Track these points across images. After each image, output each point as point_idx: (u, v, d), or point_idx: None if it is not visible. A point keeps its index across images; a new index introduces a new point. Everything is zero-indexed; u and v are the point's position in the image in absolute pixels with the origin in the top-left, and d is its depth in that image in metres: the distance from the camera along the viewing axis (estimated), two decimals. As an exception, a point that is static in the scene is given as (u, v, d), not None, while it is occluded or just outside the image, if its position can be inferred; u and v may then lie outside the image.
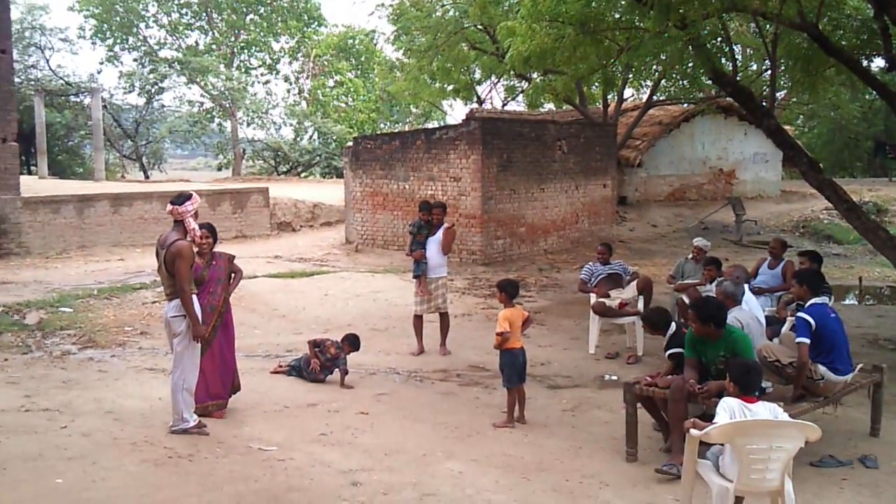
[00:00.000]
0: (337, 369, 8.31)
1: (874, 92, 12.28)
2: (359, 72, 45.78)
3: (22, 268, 14.60)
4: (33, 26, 37.95)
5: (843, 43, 11.44)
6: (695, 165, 24.47)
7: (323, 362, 8.36)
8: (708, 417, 5.18)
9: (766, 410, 4.65)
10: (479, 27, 20.02)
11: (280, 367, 8.69)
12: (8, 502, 4.88)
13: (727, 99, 18.53)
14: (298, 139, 42.90)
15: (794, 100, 24.82)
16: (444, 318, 9.93)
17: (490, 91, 31.94)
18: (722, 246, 18.97)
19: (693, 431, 4.61)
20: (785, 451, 4.48)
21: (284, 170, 41.24)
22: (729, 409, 4.62)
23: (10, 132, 15.72)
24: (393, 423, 7.17)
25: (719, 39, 12.13)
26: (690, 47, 10.45)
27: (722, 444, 4.67)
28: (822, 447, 6.10)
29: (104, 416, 6.77)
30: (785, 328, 7.82)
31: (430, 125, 38.19)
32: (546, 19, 10.76)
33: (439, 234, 9.73)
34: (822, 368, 6.28)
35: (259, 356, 9.33)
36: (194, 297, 6.32)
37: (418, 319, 9.86)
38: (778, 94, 18.58)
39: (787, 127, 19.87)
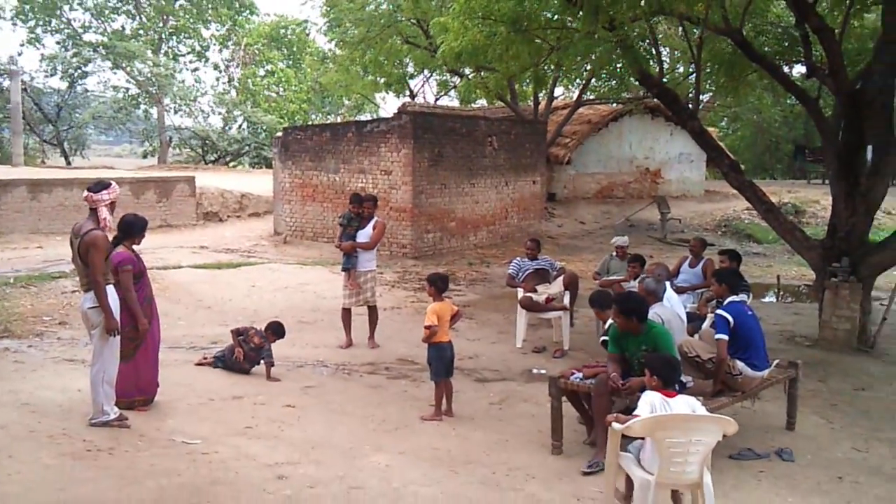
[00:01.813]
0: (262, 361, 8.21)
1: (795, 97, 12.71)
2: (290, 62, 45.28)
3: (-68, 255, 14.04)
4: (-51, 5, 36.43)
5: (766, 49, 11.83)
6: (622, 164, 24.94)
7: (247, 352, 8.24)
8: (632, 411, 5.30)
9: (684, 405, 4.78)
10: (413, 21, 20.05)
11: (205, 358, 8.53)
12: (-85, 498, 4.69)
13: (654, 100, 18.95)
14: (227, 128, 42.25)
15: (719, 103, 25.62)
16: (373, 311, 9.91)
17: (423, 85, 31.98)
18: (647, 243, 19.40)
19: (615, 425, 4.71)
20: (703, 444, 4.61)
21: (212, 159, 40.51)
22: (650, 404, 4.74)
23: (-79, 113, 15.08)
24: (320, 416, 7.13)
25: (647, 42, 12.41)
26: (619, 48, 10.67)
27: (643, 438, 4.78)
28: (740, 440, 6.32)
29: (20, 407, 6.53)
30: (705, 325, 8.06)
31: (362, 118, 37.99)
32: (479, 16, 10.85)
33: (369, 227, 9.70)
34: (740, 364, 6.48)
35: (183, 348, 9.16)
36: (110, 289, 6.15)
37: (347, 312, 9.82)
38: (703, 97, 19.13)
39: (711, 129, 20.41)
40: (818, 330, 10.65)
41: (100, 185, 6.26)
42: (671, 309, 7.06)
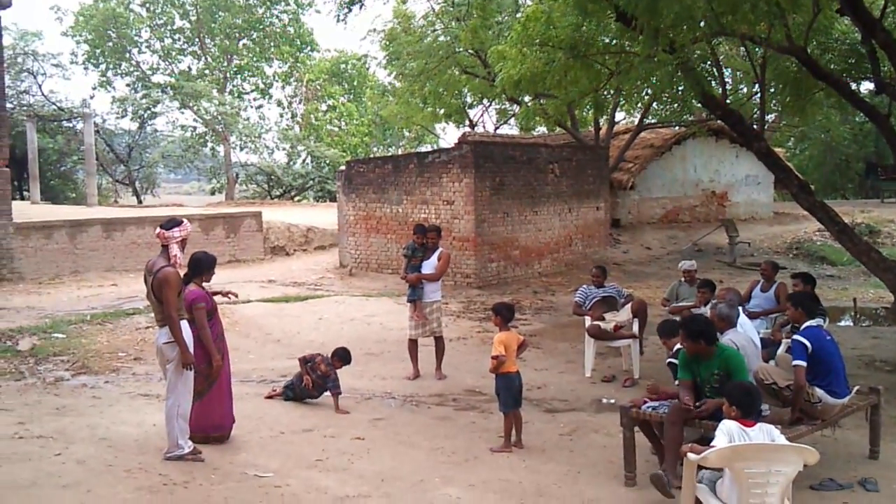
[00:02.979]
0: (329, 390, 8.25)
1: (864, 114, 12.38)
2: (351, 96, 46.04)
3: (14, 294, 14.54)
4: (26, 52, 38.06)
5: (832, 66, 11.55)
6: (687, 188, 24.58)
7: (314, 379, 8.31)
8: (706, 441, 5.16)
9: (763, 434, 4.64)
10: (470, 52, 20.17)
11: (274, 391, 8.63)
12: (1, 532, 4.82)
13: (718, 122, 18.66)
14: (291, 163, 43.03)
15: (785, 122, 25.04)
16: (439, 342, 9.90)
17: (482, 115, 32.15)
18: (716, 268, 19.02)
19: (691, 455, 4.59)
20: (783, 474, 4.47)
21: (277, 194, 41.31)
22: (728, 433, 4.61)
23: (1, 157, 15.72)
24: (389, 448, 7.13)
25: (709, 63, 12.24)
26: (680, 71, 10.54)
27: (720, 469, 4.65)
28: (821, 470, 6.08)
29: (98, 442, 6.70)
30: (780, 350, 7.84)
31: (422, 149, 38.34)
32: (536, 43, 10.87)
33: (434, 258, 9.72)
34: (819, 391, 6.27)
35: (253, 381, 9.29)
36: (184, 324, 6.28)
37: (413, 343, 9.83)
38: (768, 117, 18.73)
39: (778, 149, 19.97)
40: (900, 354, 10.26)
41: (171, 223, 6.42)
42: (745, 335, 6.88)
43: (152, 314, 11.68)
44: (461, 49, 20.04)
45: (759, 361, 6.82)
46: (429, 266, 9.70)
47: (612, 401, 8.79)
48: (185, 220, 6.58)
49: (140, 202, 40.24)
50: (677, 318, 7.87)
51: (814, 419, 6.31)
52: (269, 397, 8.53)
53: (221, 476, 6.07)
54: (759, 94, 12.71)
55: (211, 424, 6.79)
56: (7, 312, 12.47)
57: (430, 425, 7.97)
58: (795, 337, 6.47)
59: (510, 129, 33.01)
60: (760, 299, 9.98)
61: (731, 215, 24.38)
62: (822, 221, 11.29)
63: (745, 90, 20.42)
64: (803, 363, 6.23)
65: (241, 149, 42.47)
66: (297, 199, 40.94)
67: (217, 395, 6.81)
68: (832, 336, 6.76)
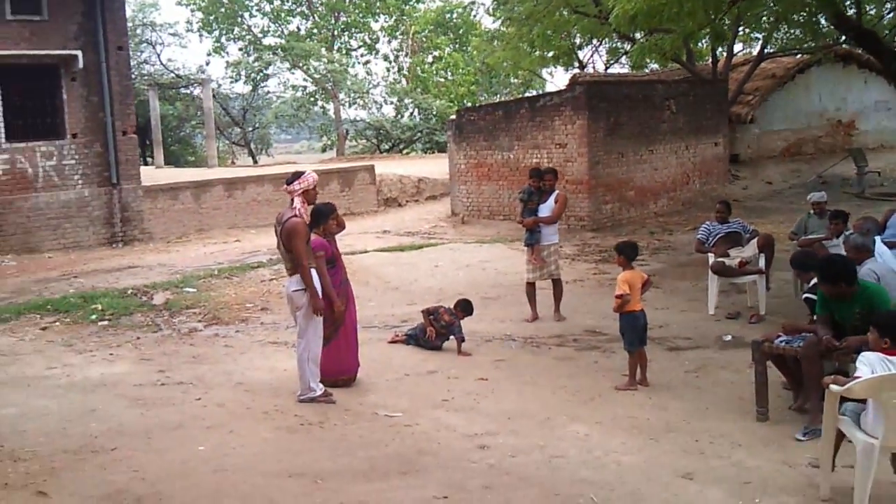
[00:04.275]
0: (452, 336, 8.37)
1: None
2: (457, 45, 45.64)
3: (146, 252, 15.30)
4: (144, 23, 39.43)
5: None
6: (811, 118, 23.33)
7: (438, 329, 8.43)
8: (843, 374, 4.96)
9: (910, 363, 4.41)
10: (580, -10, 19.58)
11: (397, 336, 8.82)
12: (157, 468, 5.13)
13: (845, 46, 17.55)
14: (399, 116, 43.22)
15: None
16: (558, 284, 9.84)
17: (591, 55, 31.33)
18: (843, 200, 18.07)
19: (833, 387, 4.40)
20: (932, 404, 4.25)
21: (387, 147, 41.68)
22: (869, 364, 4.39)
23: (129, 125, 16.45)
24: (513, 388, 7.18)
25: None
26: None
27: (863, 401, 4.45)
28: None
29: (235, 387, 7.03)
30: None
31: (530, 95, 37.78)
32: (652, -25, 10.45)
33: (551, 200, 9.62)
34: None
35: (376, 327, 9.49)
36: (313, 272, 6.45)
37: (531, 287, 9.81)
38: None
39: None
40: None
41: (293, 176, 6.59)
42: (884, 264, 6.52)
43: (276, 267, 12.20)
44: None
45: (901, 291, 6.47)
46: (546, 209, 9.61)
47: (729, 337, 8.58)
48: (309, 172, 6.71)
49: (256, 162, 41.41)
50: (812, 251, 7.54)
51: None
52: (392, 342, 8.73)
53: (353, 416, 6.28)
54: (892, 13, 11.89)
55: (339, 368, 7.00)
56: (141, 270, 13.13)
57: (552, 366, 7.97)
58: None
59: (621, 69, 32.08)
60: (898, 228, 9.43)
61: (859, 144, 23.02)
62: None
63: (873, 11, 19.14)
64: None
65: (350, 105, 42.94)
66: (405, 151, 41.21)
67: (344, 339, 7.01)
68: None
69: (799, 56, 22.57)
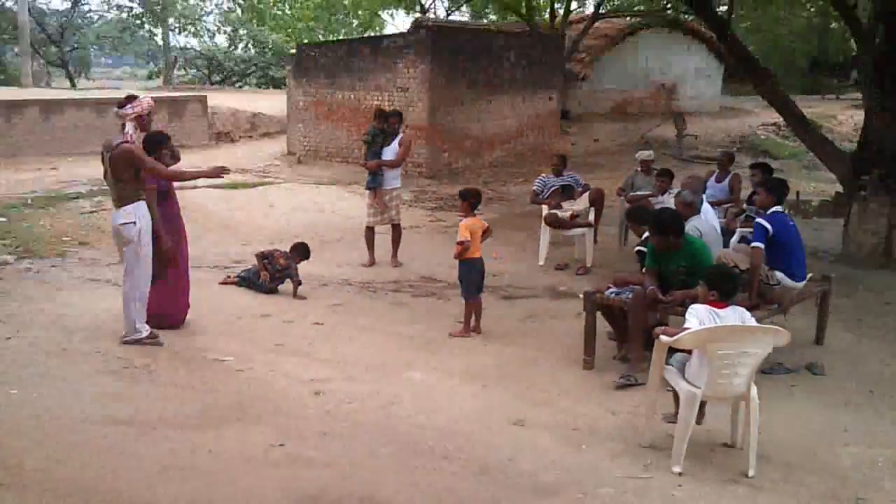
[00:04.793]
0: (289, 279, 8.18)
1: (832, 5, 12.20)
2: (297, -22, 44.06)
3: (-54, 176, 13.90)
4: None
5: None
6: (638, 80, 24.39)
7: (272, 273, 8.21)
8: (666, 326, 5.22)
9: (735, 316, 4.70)
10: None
11: (229, 278, 8.51)
12: (-39, 414, 4.68)
13: (672, 12, 18.36)
14: (233, 48, 41.44)
15: (742, 13, 24.72)
16: (397, 229, 9.81)
17: (433, 1, 31.14)
18: (662, 161, 19.09)
19: (663, 338, 4.63)
20: (754, 356, 4.55)
21: (218, 79, 39.89)
22: (698, 316, 4.65)
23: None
24: (349, 333, 7.12)
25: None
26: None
27: (689, 351, 4.72)
28: (771, 355, 6.27)
29: (50, 326, 6.52)
30: (734, 240, 7.93)
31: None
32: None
33: (395, 143, 9.51)
34: (778, 274, 6.39)
35: (206, 267, 9.11)
36: (142, 205, 6.06)
37: (370, 231, 9.73)
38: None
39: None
40: (842, 244, 10.53)
41: (127, 100, 6.12)
42: (708, 222, 6.94)
43: (97, 198, 11.42)
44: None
45: (721, 247, 6.91)
46: (390, 152, 9.50)
47: (563, 288, 8.88)
48: (144, 96, 6.25)
49: (73, 85, 38.47)
50: (618, 219, 7.88)
51: (770, 303, 6.44)
52: (224, 284, 8.41)
53: (183, 360, 5.99)
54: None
55: (167, 309, 6.64)
56: (-60, 196, 11.93)
57: (388, 311, 7.98)
58: (757, 220, 6.54)
59: (461, 17, 32.13)
60: (715, 189, 10.05)
61: (680, 109, 24.35)
62: (781, 111, 11.33)
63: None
64: (761, 245, 6.32)
65: (181, 32, 40.66)
66: (238, 85, 39.64)
67: (174, 278, 6.65)
68: (794, 221, 6.87)
69: (630, 18, 23.42)
